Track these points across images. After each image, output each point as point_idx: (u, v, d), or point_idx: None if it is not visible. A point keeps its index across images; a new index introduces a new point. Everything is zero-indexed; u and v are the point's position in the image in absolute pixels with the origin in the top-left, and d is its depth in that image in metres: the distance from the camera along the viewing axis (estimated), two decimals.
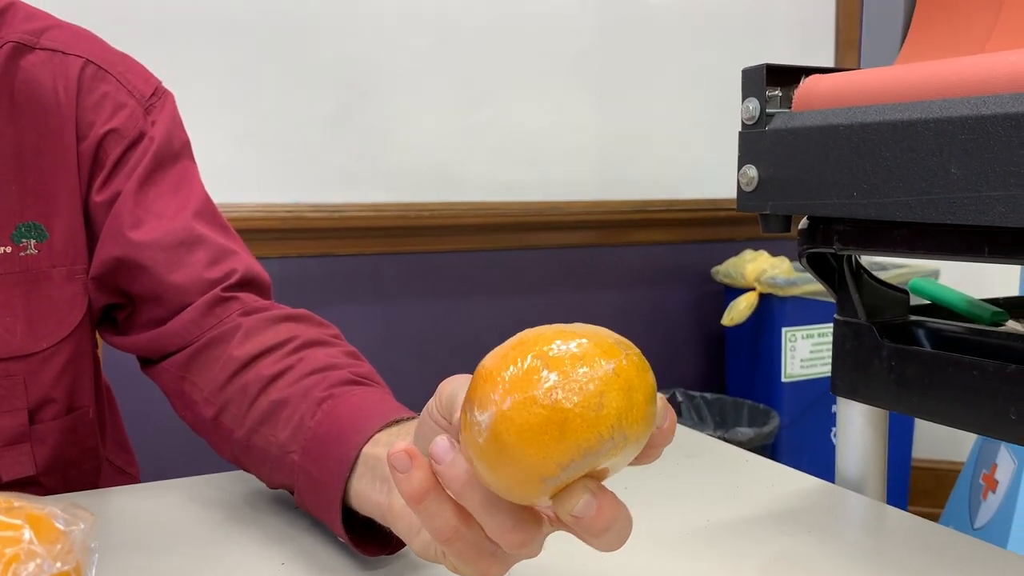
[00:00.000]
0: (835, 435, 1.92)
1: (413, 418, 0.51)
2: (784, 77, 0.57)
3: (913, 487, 2.04)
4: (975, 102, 0.44)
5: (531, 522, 0.36)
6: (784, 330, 1.82)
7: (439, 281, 1.82)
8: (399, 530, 0.44)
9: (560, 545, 0.41)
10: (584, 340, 0.34)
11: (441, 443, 0.36)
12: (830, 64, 2.16)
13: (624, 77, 1.93)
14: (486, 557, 0.38)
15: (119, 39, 0.72)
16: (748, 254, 1.88)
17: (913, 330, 0.62)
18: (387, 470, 0.43)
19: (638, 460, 0.37)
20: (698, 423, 1.92)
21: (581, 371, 0.33)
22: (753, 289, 1.82)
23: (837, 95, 0.54)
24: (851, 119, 0.51)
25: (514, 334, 0.36)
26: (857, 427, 0.65)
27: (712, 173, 2.01)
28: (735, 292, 1.87)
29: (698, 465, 0.71)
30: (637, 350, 0.36)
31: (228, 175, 1.53)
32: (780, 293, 1.79)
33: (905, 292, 0.64)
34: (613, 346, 0.35)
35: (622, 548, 0.36)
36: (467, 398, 0.35)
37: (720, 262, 1.93)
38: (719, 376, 2.07)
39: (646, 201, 1.95)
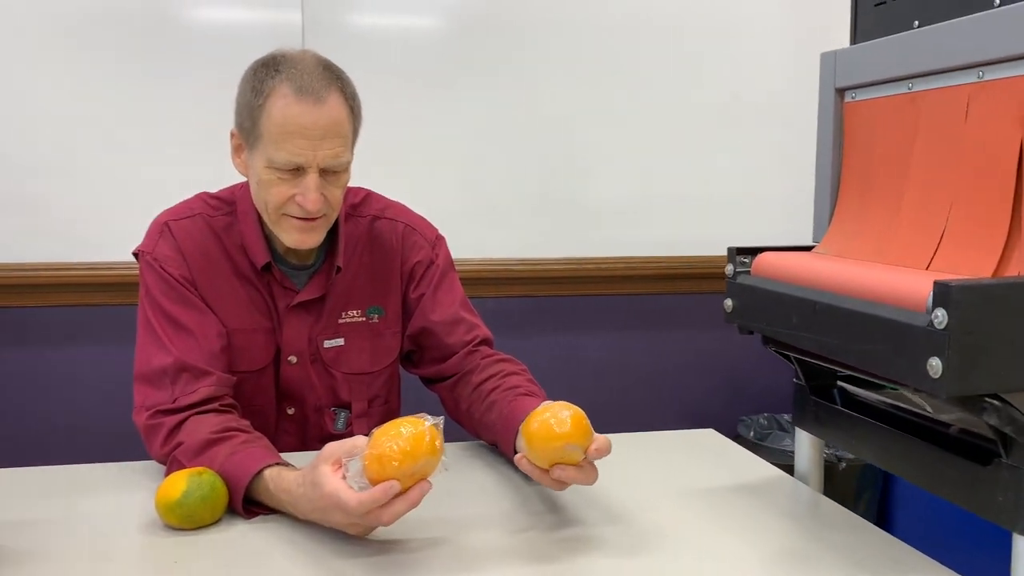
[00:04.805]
0: None
1: None
2: (750, 251, 1.09)
3: None
4: (837, 297, 0.92)
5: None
6: None
7: (614, 318, 2.37)
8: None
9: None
10: (570, 410, 0.92)
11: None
12: None
13: (781, 142, 2.35)
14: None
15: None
16: None
17: (832, 391, 1.10)
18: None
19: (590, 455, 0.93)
20: None
21: (563, 415, 0.91)
22: None
23: (775, 268, 1.05)
24: (777, 288, 1.01)
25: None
26: (804, 445, 1.15)
27: None
28: None
29: (709, 456, 1.23)
30: (582, 412, 0.93)
31: (464, 239, 2.14)
32: None
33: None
34: (578, 412, 0.92)
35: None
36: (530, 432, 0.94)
37: None
38: None
39: None
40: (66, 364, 2.03)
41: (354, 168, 1.21)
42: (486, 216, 2.24)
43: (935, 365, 0.72)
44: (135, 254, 1.24)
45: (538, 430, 0.92)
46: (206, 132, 1.83)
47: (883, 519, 2.29)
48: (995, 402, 0.75)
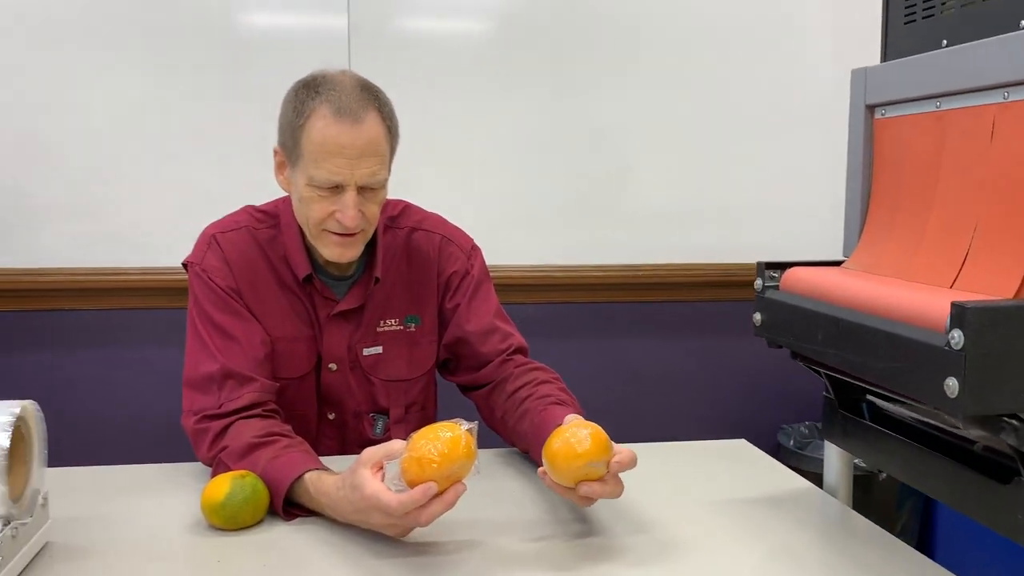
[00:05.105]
0: None
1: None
2: (779, 266, 1.10)
3: None
4: (860, 315, 0.92)
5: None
6: None
7: (653, 325, 2.38)
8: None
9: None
10: (589, 428, 0.94)
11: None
12: None
13: (824, 148, 2.33)
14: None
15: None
16: None
17: (860, 405, 1.11)
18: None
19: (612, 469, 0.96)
20: None
21: (583, 434, 0.93)
22: None
23: (803, 284, 1.06)
24: (803, 304, 1.03)
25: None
26: (833, 458, 1.16)
27: None
28: None
29: (740, 468, 1.25)
30: (601, 429, 0.95)
31: (503, 245, 2.18)
32: None
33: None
34: (598, 429, 0.94)
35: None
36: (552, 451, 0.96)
37: None
38: None
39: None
40: (122, 366, 2.11)
41: (394, 172, 1.25)
42: (525, 222, 2.27)
43: (952, 385, 0.73)
44: (184, 265, 1.30)
45: (559, 450, 0.95)
46: (256, 140, 1.89)
47: (925, 530, 2.27)
48: (1013, 422, 0.75)
